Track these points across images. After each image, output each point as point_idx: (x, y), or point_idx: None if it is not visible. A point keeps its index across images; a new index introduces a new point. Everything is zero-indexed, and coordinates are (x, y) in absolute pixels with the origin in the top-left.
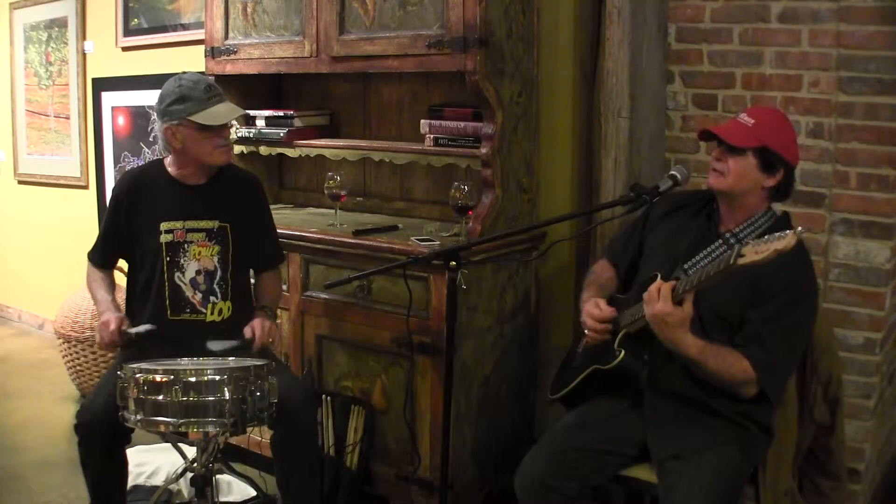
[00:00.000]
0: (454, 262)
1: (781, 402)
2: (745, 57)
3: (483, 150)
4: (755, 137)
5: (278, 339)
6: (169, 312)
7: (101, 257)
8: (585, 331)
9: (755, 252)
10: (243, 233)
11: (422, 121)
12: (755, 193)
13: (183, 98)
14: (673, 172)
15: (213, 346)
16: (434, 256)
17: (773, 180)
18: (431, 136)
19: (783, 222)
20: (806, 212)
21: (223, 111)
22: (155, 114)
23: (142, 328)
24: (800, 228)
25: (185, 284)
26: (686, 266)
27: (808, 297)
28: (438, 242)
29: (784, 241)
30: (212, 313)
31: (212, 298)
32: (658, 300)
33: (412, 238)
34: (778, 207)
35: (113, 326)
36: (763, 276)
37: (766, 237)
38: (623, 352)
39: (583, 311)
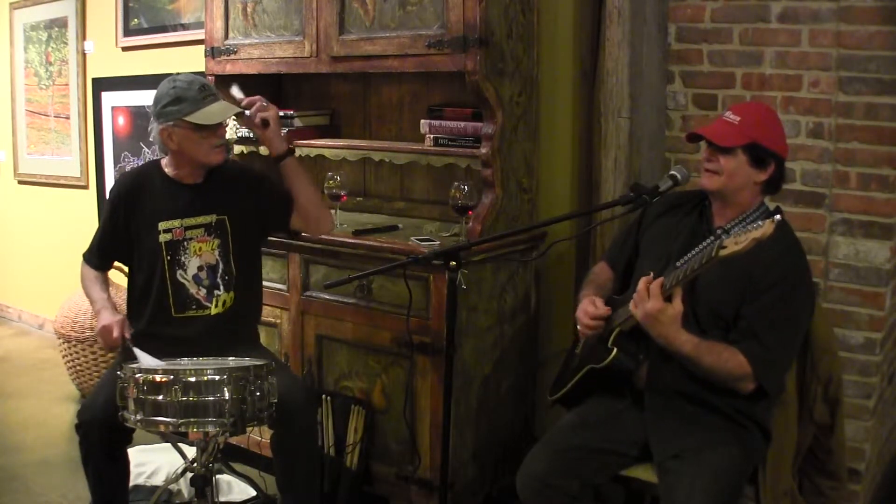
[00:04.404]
0: (454, 262)
1: (780, 395)
2: (745, 57)
3: (483, 150)
4: (742, 135)
5: (274, 122)
6: (173, 311)
7: (98, 259)
8: (578, 327)
9: (735, 243)
10: (245, 219)
11: (422, 121)
12: (748, 189)
13: (178, 99)
14: (673, 172)
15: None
16: (434, 256)
17: (764, 174)
18: (431, 136)
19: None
20: (806, 212)
21: (218, 110)
22: (151, 115)
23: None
24: (778, 217)
25: (188, 281)
26: (678, 264)
27: (802, 290)
28: (438, 242)
29: (761, 229)
30: (216, 306)
31: (216, 292)
32: (648, 298)
33: (412, 238)
34: (772, 203)
35: (116, 334)
36: (756, 270)
37: (747, 227)
38: (615, 349)
39: (578, 308)
